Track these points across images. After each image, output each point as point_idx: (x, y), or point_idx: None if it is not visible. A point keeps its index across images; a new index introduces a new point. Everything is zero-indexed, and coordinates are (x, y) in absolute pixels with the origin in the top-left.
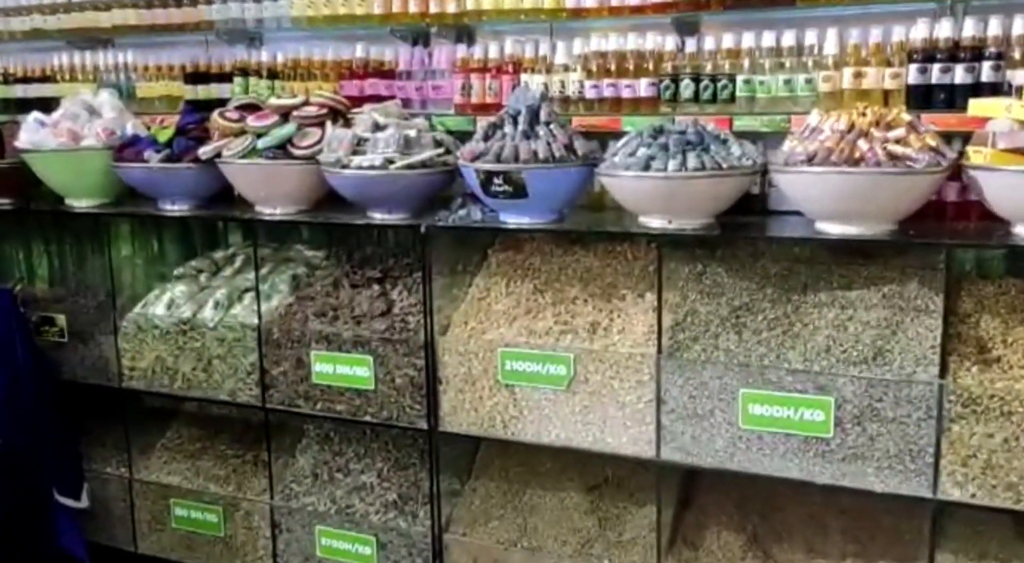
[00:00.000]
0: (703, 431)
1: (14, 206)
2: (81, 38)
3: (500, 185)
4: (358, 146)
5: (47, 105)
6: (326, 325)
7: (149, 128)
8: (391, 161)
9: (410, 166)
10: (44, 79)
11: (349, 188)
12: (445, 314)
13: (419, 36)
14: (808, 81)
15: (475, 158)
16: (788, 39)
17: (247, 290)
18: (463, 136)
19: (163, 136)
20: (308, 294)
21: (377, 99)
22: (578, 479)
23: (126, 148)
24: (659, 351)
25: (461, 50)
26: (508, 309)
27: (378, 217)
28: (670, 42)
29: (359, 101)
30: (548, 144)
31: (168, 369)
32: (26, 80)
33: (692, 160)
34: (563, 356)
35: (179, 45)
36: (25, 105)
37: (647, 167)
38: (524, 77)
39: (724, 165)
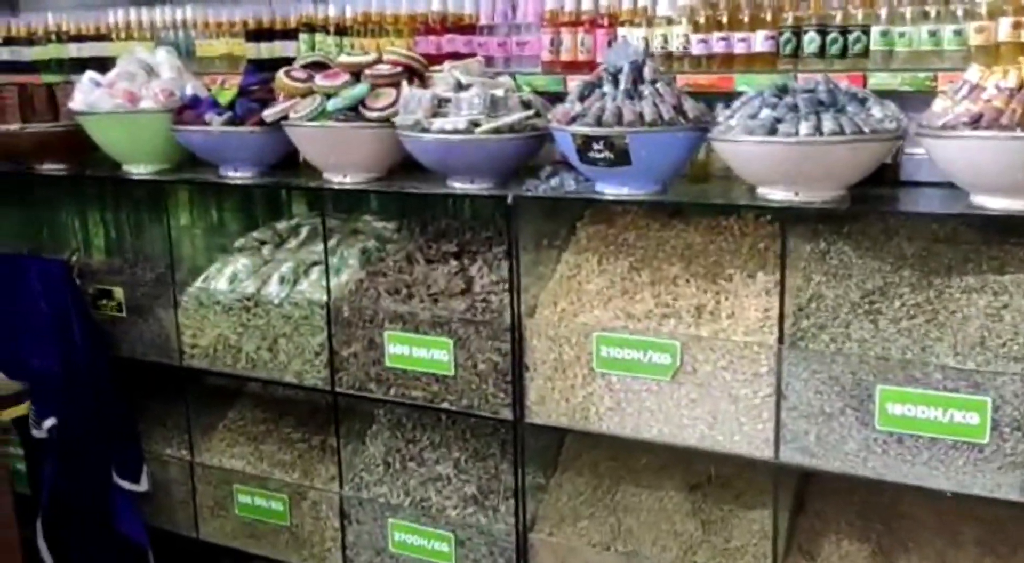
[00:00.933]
0: (831, 431)
1: (69, 172)
2: None
3: (600, 151)
4: (439, 107)
5: (102, 65)
6: (400, 304)
7: (209, 89)
8: (476, 124)
9: (498, 130)
10: (99, 37)
11: (429, 154)
12: (531, 293)
13: None
14: (957, 33)
15: (571, 120)
16: None
17: (314, 264)
18: (551, 97)
19: (225, 98)
20: (380, 269)
21: (455, 57)
22: (678, 477)
23: (186, 110)
24: (780, 340)
25: (550, 1)
26: (601, 289)
27: (459, 186)
28: None
29: (436, 59)
30: (655, 105)
31: (231, 347)
32: (79, 38)
33: (828, 123)
34: (668, 343)
35: (241, 0)
36: (79, 65)
37: (773, 131)
38: (621, 31)
39: (865, 129)
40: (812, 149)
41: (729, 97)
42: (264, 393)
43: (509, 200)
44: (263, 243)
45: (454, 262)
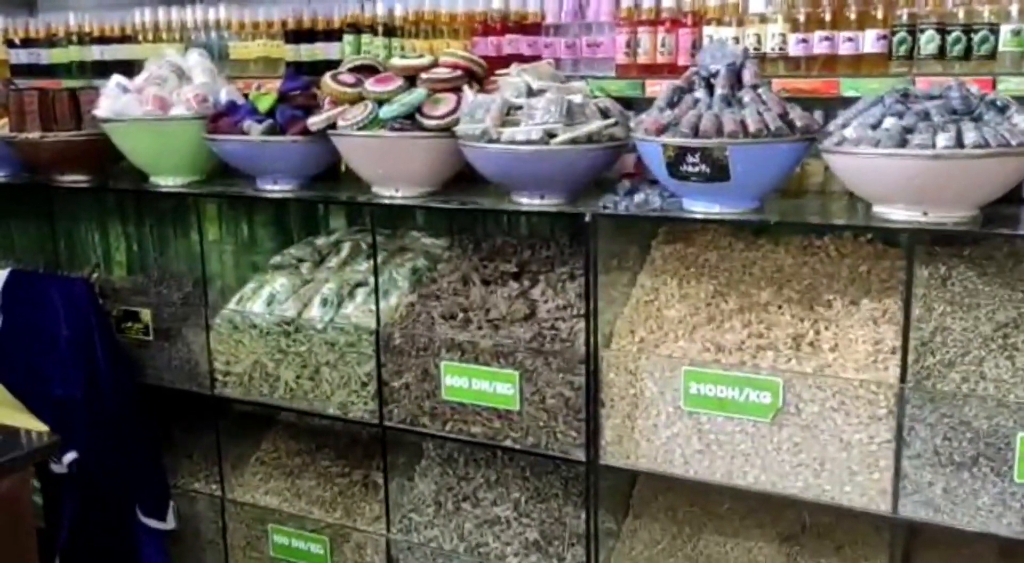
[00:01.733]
0: (960, 484)
1: (92, 184)
2: None
3: (695, 165)
4: (508, 115)
5: (128, 69)
6: (458, 330)
7: (246, 95)
8: (552, 134)
9: (575, 140)
10: (124, 39)
11: (497, 167)
12: (604, 319)
13: None
14: None
15: (661, 130)
16: None
17: (359, 285)
18: (626, 103)
19: (264, 103)
20: (432, 291)
21: (518, 60)
22: (767, 525)
23: (222, 117)
24: (902, 378)
25: None
26: (684, 316)
27: (526, 202)
28: None
29: (496, 62)
30: (759, 113)
31: (268, 376)
32: (103, 40)
33: (970, 133)
34: (769, 380)
35: None
36: (102, 69)
37: (903, 142)
38: (707, 31)
39: (1012, 141)
40: (952, 164)
41: (832, 103)
42: (299, 422)
43: (587, 218)
44: (301, 261)
45: (514, 284)
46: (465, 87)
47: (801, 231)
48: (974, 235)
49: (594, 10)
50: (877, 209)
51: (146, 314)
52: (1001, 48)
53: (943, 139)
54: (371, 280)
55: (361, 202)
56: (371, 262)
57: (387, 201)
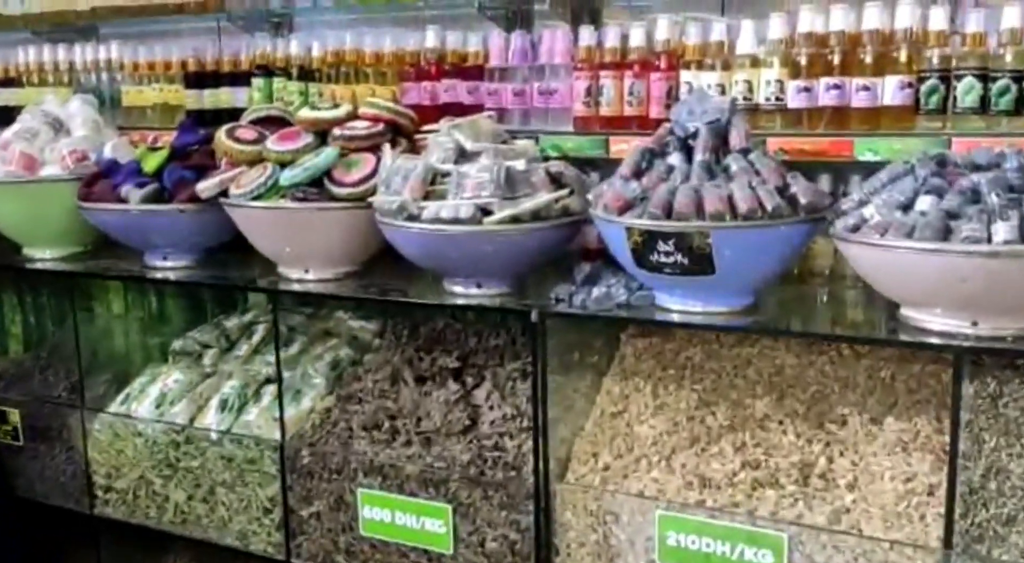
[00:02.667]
0: None
1: None
2: (52, 27)
3: (669, 254)
4: (434, 185)
5: (9, 116)
6: (381, 446)
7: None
8: (487, 211)
9: (516, 218)
10: (6, 82)
11: (421, 249)
12: (560, 436)
13: (519, 15)
14: None
15: (625, 208)
16: None
17: (268, 382)
18: (588, 164)
19: (151, 162)
20: (354, 392)
21: (457, 110)
22: None
23: (98, 180)
24: (947, 540)
25: (585, 35)
26: (660, 435)
27: (460, 291)
28: (937, 17)
29: (431, 113)
30: (751, 187)
31: (155, 495)
32: None
33: None
34: (770, 535)
35: (180, 35)
36: None
37: (946, 233)
38: (686, 76)
39: None
40: (1015, 265)
41: (843, 169)
42: (200, 549)
43: (533, 317)
44: (205, 347)
45: (454, 385)
46: (386, 146)
47: (810, 339)
48: None
49: (547, 50)
50: (909, 313)
51: (14, 415)
52: None
53: (1003, 230)
54: (282, 377)
55: (259, 288)
56: (291, 348)
57: (295, 285)
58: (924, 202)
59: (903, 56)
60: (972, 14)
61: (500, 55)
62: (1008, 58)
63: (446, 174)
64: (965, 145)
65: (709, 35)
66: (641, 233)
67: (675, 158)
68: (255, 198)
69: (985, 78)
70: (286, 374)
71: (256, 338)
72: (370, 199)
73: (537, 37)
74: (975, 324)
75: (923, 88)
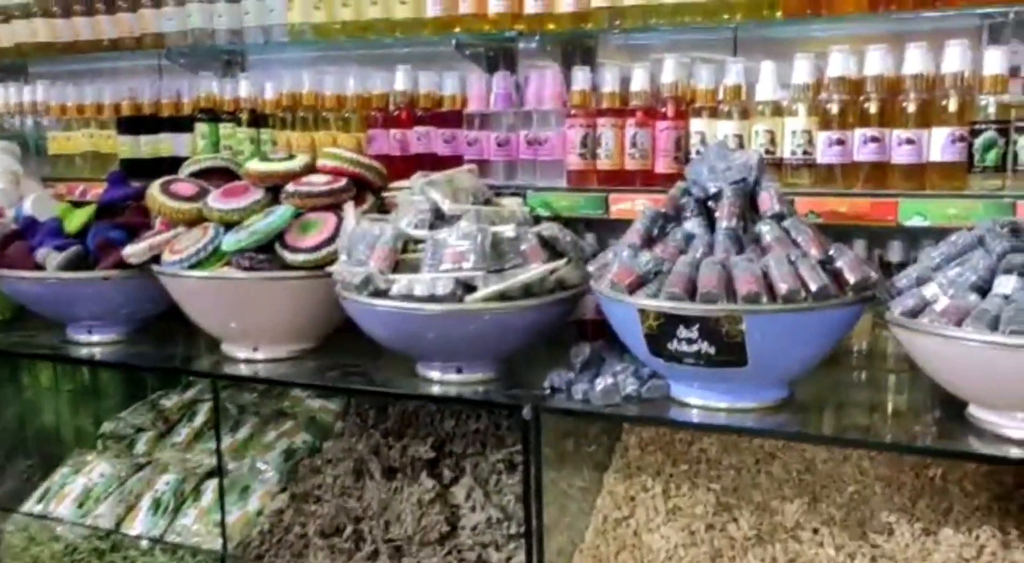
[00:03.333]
0: None
1: None
2: None
3: (693, 342)
4: (405, 253)
5: None
6: (342, 558)
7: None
8: (469, 287)
9: (504, 295)
10: None
11: (389, 330)
12: (556, 547)
13: (502, 55)
14: None
15: (636, 285)
16: None
17: (211, 475)
18: (585, 226)
19: (74, 221)
20: (311, 489)
21: (433, 162)
22: None
23: (13, 241)
24: None
25: (579, 77)
26: (675, 546)
27: (438, 376)
28: (993, 59)
29: (401, 166)
30: (790, 262)
31: None
32: None
33: None
34: None
35: (115, 74)
36: None
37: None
38: (697, 125)
39: None
40: None
41: (881, 234)
42: None
43: (525, 414)
44: (139, 431)
45: (428, 480)
46: (348, 205)
47: (857, 447)
48: None
49: (535, 94)
50: (979, 414)
51: None
52: None
53: None
54: (227, 468)
55: (198, 371)
56: (238, 433)
57: (241, 368)
58: (1005, 283)
59: (953, 105)
60: None
61: (481, 99)
62: None
63: (420, 241)
64: None
65: (723, 78)
66: (658, 316)
67: (694, 224)
68: (193, 266)
69: None
70: (231, 466)
71: (198, 421)
72: (329, 269)
73: (523, 79)
74: None
75: (977, 142)
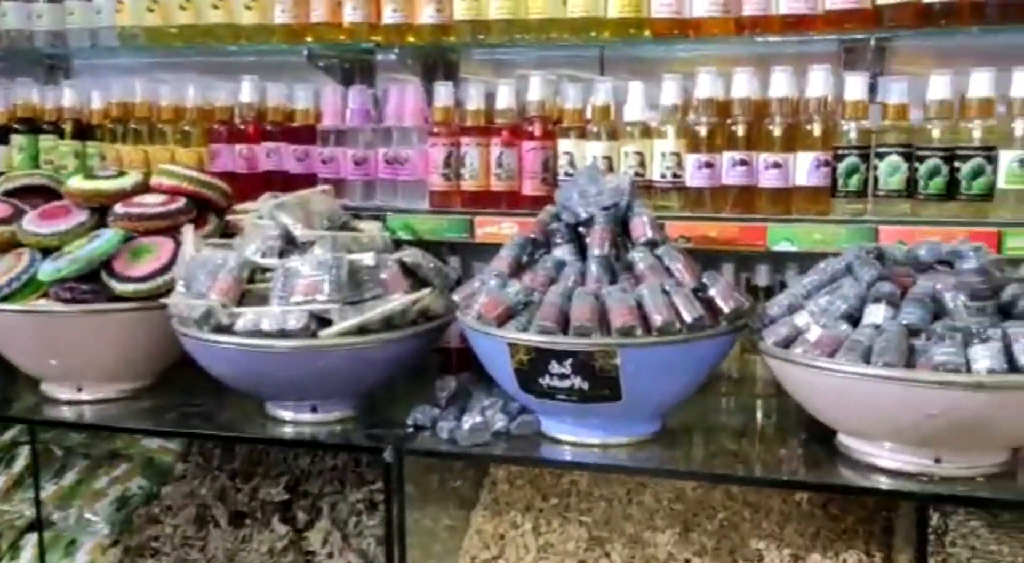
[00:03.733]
0: None
1: None
2: None
3: (566, 377)
4: (252, 283)
5: None
6: None
7: None
8: (324, 320)
9: (364, 329)
10: None
11: (234, 368)
12: None
13: (359, 67)
14: None
15: (505, 317)
16: None
17: (31, 529)
18: (449, 250)
19: None
20: (147, 540)
21: (283, 181)
22: None
23: None
24: None
25: (442, 93)
26: None
27: (290, 417)
28: (855, 85)
29: (249, 184)
30: (664, 292)
31: None
32: None
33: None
34: None
35: None
36: None
37: (909, 356)
38: (565, 145)
39: None
40: (1002, 398)
41: (748, 258)
42: None
43: (387, 457)
44: None
45: (281, 526)
46: (187, 229)
47: (731, 483)
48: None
49: (395, 110)
50: (850, 443)
51: None
52: (1002, 185)
53: (984, 356)
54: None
55: (11, 417)
56: (64, 478)
57: (63, 410)
58: (875, 312)
59: (817, 129)
60: (894, 83)
61: (336, 114)
62: (936, 134)
63: (268, 269)
64: (894, 234)
65: (591, 98)
66: (528, 350)
67: (564, 251)
68: (4, 298)
69: (911, 157)
70: (55, 516)
71: (18, 465)
72: (165, 300)
73: (382, 93)
74: (938, 461)
75: (841, 167)
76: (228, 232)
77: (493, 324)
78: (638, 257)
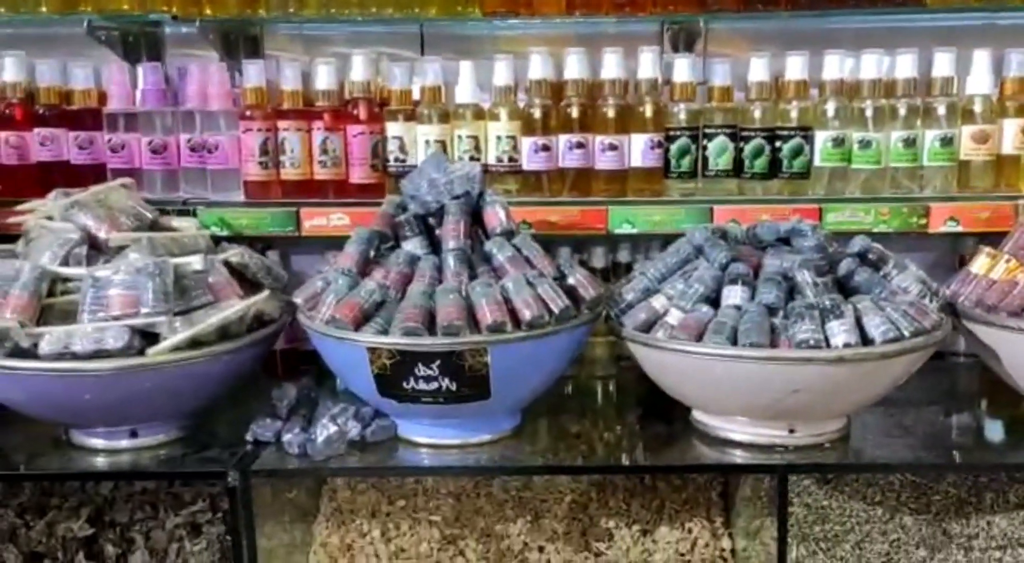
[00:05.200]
0: None
1: None
2: None
3: (432, 379)
4: (53, 297)
5: None
6: None
7: None
8: (149, 336)
9: (198, 341)
10: None
11: (37, 398)
12: None
13: (144, 40)
14: (946, 141)
15: (362, 320)
16: (906, 67)
17: None
18: (267, 245)
19: None
20: None
21: (65, 174)
22: None
23: None
24: None
25: (252, 72)
26: None
27: (103, 445)
28: (682, 67)
29: (23, 178)
30: (529, 283)
31: None
32: None
33: (875, 320)
34: None
35: None
36: None
37: (771, 334)
38: (394, 129)
39: (926, 324)
40: (859, 369)
41: (585, 241)
42: None
43: (231, 481)
44: None
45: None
46: None
47: (596, 473)
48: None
49: (197, 90)
50: (705, 419)
51: None
52: (817, 163)
53: (840, 331)
54: None
55: None
56: None
57: None
58: (734, 294)
59: (649, 111)
60: (717, 65)
61: (125, 95)
62: (757, 114)
63: (72, 279)
64: (727, 213)
65: (420, 78)
66: (392, 354)
67: (415, 245)
68: None
69: (737, 136)
70: None
71: None
72: None
73: (176, 71)
74: (792, 431)
75: (673, 148)
76: (6, 238)
77: (349, 328)
78: (496, 249)
